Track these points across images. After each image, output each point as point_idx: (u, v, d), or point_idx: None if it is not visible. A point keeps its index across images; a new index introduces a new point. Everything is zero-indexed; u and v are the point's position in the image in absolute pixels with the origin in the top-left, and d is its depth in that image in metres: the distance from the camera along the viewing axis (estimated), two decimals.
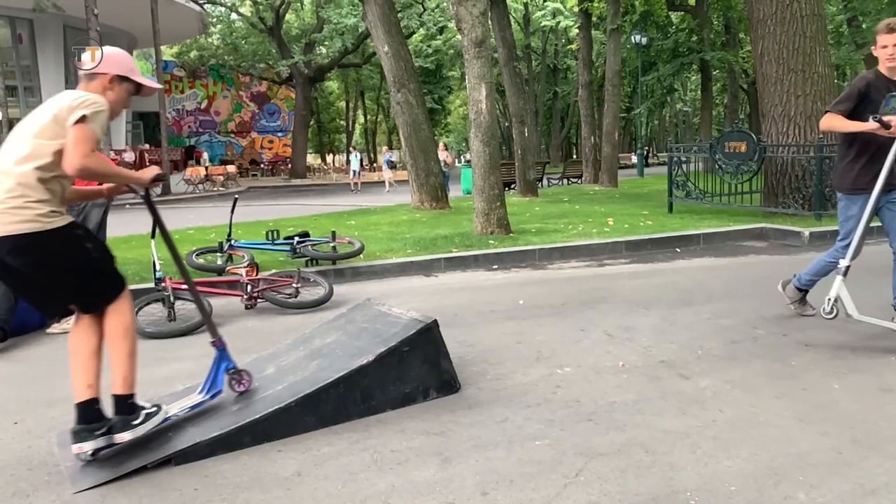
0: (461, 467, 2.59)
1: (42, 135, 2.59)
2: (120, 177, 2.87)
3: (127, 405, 2.77)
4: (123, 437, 2.73)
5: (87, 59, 2.79)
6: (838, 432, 2.78)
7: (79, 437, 2.66)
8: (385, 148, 30.21)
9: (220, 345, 3.14)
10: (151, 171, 2.93)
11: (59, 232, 2.62)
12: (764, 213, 9.32)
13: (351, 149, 30.48)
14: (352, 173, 25.26)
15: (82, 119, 2.56)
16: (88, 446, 2.67)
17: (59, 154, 2.57)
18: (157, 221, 3.17)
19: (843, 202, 4.13)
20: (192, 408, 3.03)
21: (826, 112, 4.07)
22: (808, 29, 9.20)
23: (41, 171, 2.57)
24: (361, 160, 27.21)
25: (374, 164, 40.43)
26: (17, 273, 2.67)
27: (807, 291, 4.51)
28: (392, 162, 25.51)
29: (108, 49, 2.86)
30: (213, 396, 3.09)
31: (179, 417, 2.97)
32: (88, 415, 2.70)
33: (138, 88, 2.89)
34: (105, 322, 2.77)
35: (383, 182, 23.91)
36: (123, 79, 2.83)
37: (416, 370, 3.23)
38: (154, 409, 2.85)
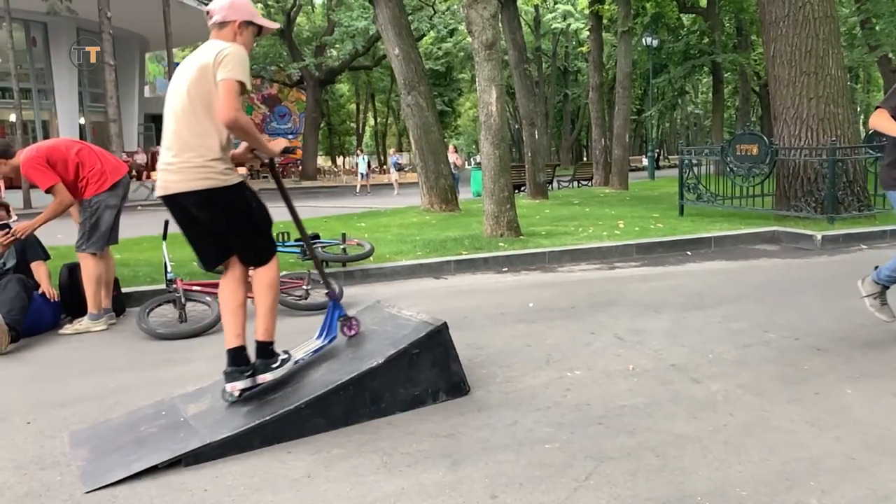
0: (470, 470, 2.59)
1: (199, 93, 2.90)
2: (257, 140, 3.13)
3: (268, 350, 3.17)
4: (265, 377, 3.14)
5: (215, 9, 3.02)
6: (851, 437, 2.75)
7: (231, 377, 3.09)
8: (393, 150, 30.20)
9: (332, 296, 3.58)
10: (281, 144, 3.33)
11: (236, 188, 3.01)
12: (776, 217, 9.27)
13: (358, 151, 30.50)
14: (359, 176, 25.31)
15: (229, 73, 2.82)
16: (240, 385, 3.08)
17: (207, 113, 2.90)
18: (282, 191, 3.56)
19: (893, 199, 4.06)
20: (314, 352, 3.39)
21: (877, 108, 3.96)
22: (821, 31, 9.14)
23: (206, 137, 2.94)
24: (369, 162, 27.22)
25: (384, 167, 40.43)
26: (198, 223, 3.08)
27: (886, 287, 4.15)
28: (399, 164, 25.49)
29: None
30: (330, 341, 3.46)
31: (305, 361, 3.34)
32: (238, 359, 3.11)
33: (260, 30, 3.14)
34: (255, 277, 3.16)
35: (391, 184, 23.97)
36: (248, 23, 3.06)
37: (426, 372, 3.23)
38: (286, 355, 3.24)
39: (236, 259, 3.18)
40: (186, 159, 2.93)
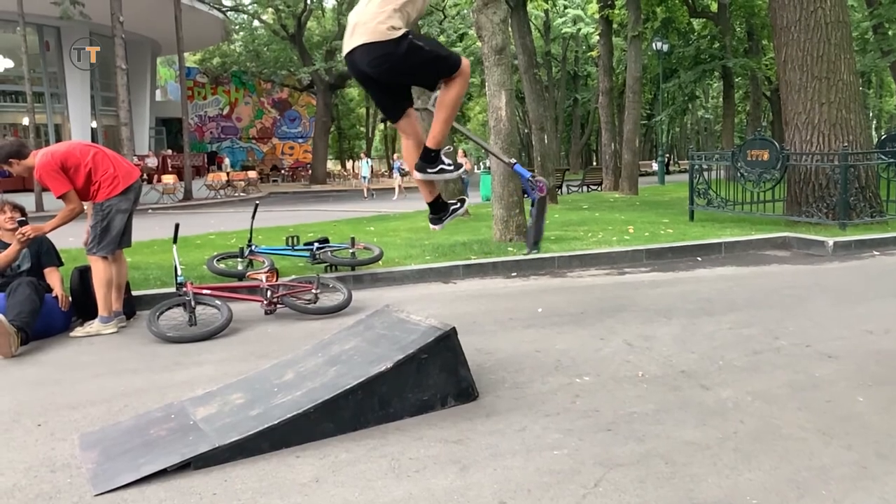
0: (479, 476, 2.58)
1: None
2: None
3: (430, 156, 3.68)
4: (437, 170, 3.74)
5: None
6: (862, 446, 2.73)
7: (434, 220, 4.10)
8: (396, 155, 30.09)
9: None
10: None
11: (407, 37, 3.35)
12: (787, 222, 9.22)
13: (362, 155, 30.55)
14: (363, 179, 25.23)
15: None
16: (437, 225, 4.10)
17: None
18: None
19: None
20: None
21: None
22: (833, 36, 9.09)
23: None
24: (372, 167, 27.20)
25: (387, 172, 40.41)
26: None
27: None
28: (403, 169, 25.35)
29: None
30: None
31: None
32: (437, 204, 4.03)
33: None
34: (442, 90, 3.53)
35: (399, 188, 23.64)
36: None
37: (435, 378, 3.23)
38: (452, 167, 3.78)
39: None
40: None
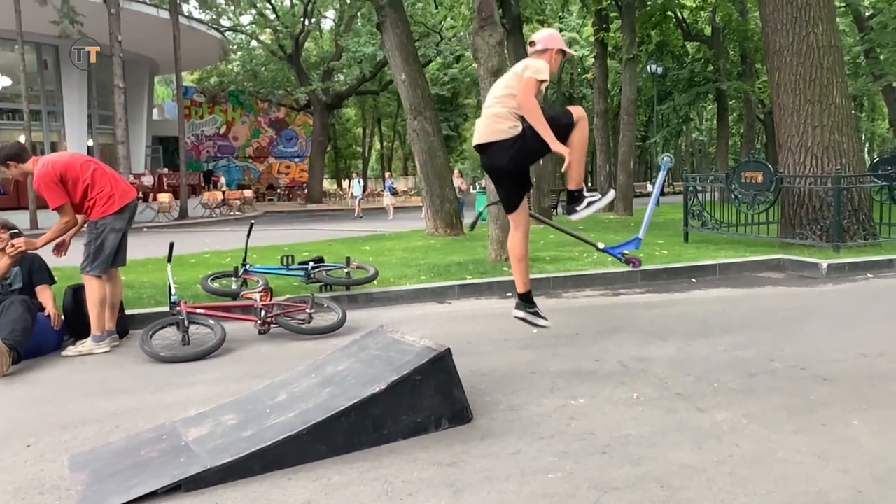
0: (472, 499, 2.56)
1: (508, 86, 4.10)
2: (545, 131, 3.92)
3: (575, 196, 4.28)
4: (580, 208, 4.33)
5: (539, 39, 4.20)
6: (858, 470, 2.72)
7: (520, 308, 4.41)
8: (388, 174, 29.96)
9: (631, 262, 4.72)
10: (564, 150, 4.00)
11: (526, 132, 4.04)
12: (781, 244, 9.25)
13: (354, 174, 30.52)
14: (354, 199, 24.90)
15: (531, 74, 3.97)
16: (521, 313, 4.39)
17: (513, 97, 4.05)
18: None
19: None
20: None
21: None
22: (825, 60, 9.19)
23: (510, 104, 4.06)
24: (364, 186, 27.10)
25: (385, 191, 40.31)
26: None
27: None
28: (394, 189, 24.99)
29: (547, 31, 4.30)
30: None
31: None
32: (527, 299, 4.39)
33: (564, 54, 4.25)
34: (572, 133, 4.08)
35: (389, 207, 23.10)
36: (560, 51, 4.20)
37: (429, 399, 3.21)
38: (593, 197, 4.31)
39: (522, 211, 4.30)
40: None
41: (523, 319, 4.41)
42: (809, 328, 5.14)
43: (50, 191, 4.84)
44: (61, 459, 3.03)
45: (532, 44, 4.24)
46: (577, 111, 4.13)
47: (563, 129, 4.09)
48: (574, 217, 4.37)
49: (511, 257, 4.42)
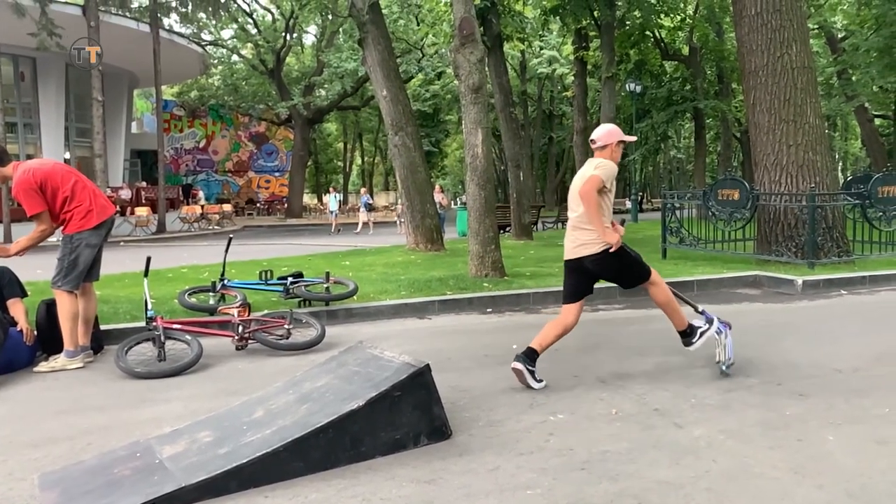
0: None
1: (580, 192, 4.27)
2: (593, 222, 4.17)
3: (687, 332, 4.44)
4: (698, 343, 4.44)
5: (598, 137, 4.39)
6: (833, 485, 2.74)
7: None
8: (363, 189, 29.76)
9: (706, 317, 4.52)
10: (616, 236, 4.19)
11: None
12: (757, 261, 9.37)
13: (331, 189, 30.35)
14: (331, 214, 24.62)
15: (595, 172, 4.19)
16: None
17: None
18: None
19: None
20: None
21: None
22: (799, 80, 9.38)
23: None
24: (340, 201, 26.90)
25: (380, 206, 40.18)
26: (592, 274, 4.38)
27: None
28: (370, 204, 24.68)
29: (606, 127, 4.50)
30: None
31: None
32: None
33: (623, 144, 4.49)
34: (651, 290, 4.39)
35: (366, 223, 22.82)
36: (620, 142, 4.42)
37: (408, 416, 3.19)
38: (706, 325, 4.45)
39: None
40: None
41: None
42: (785, 344, 5.19)
43: (28, 198, 4.77)
44: (31, 478, 2.97)
45: (593, 142, 4.44)
46: (654, 273, 4.38)
47: (636, 273, 4.36)
48: (692, 348, 4.47)
49: (538, 343, 4.32)
